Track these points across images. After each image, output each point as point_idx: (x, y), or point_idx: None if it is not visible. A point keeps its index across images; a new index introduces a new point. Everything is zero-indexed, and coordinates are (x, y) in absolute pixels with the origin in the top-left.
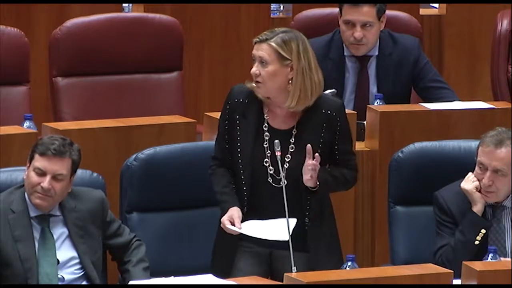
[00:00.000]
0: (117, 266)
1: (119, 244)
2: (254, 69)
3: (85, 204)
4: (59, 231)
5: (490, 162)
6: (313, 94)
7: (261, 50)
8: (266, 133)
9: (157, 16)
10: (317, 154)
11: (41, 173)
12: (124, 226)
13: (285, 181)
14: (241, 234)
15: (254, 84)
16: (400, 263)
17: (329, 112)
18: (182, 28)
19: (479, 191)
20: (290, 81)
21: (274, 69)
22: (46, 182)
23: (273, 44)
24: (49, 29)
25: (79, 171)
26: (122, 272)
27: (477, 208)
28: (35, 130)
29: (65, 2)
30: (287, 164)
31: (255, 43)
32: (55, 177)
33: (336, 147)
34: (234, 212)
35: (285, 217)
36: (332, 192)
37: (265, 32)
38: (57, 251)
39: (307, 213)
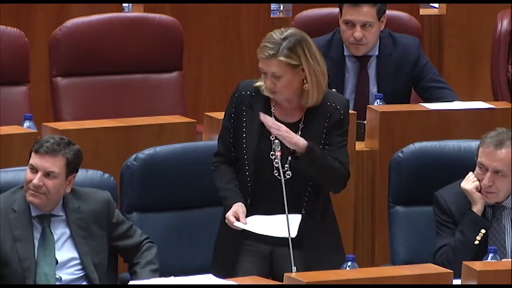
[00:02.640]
0: (127, 267)
1: (128, 245)
2: (269, 84)
3: (89, 205)
4: (61, 231)
5: (490, 163)
6: (325, 82)
7: (272, 66)
8: None
9: (157, 16)
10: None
11: (34, 170)
12: (136, 228)
13: (290, 172)
14: (243, 231)
15: (262, 83)
16: (400, 263)
17: (334, 104)
18: (182, 28)
19: (479, 191)
20: (304, 81)
21: (288, 79)
22: (36, 178)
23: (282, 58)
24: (49, 29)
25: (90, 172)
26: (131, 274)
27: (477, 208)
28: (35, 130)
29: (65, 2)
30: (291, 157)
31: (261, 58)
32: (46, 175)
33: (327, 142)
34: (239, 207)
35: (288, 211)
36: (317, 175)
37: (267, 45)
38: (57, 251)
39: (304, 204)
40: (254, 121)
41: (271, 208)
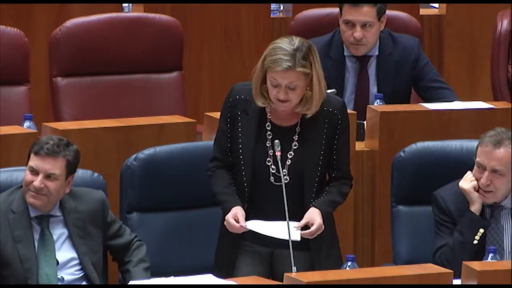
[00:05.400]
0: (118, 266)
1: (120, 244)
2: (282, 96)
3: (85, 205)
4: (59, 232)
5: (488, 162)
6: (325, 89)
7: (289, 79)
8: (269, 132)
9: (157, 16)
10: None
11: (34, 172)
12: (125, 226)
13: (287, 177)
14: (243, 233)
15: (277, 104)
16: (402, 262)
17: (331, 109)
18: (182, 28)
19: (477, 191)
20: (308, 87)
21: (302, 88)
22: (37, 181)
23: (299, 69)
24: (49, 29)
25: (80, 171)
26: (123, 273)
27: (475, 208)
28: (35, 130)
29: (65, 2)
30: (289, 161)
31: (276, 70)
32: (48, 176)
33: (335, 146)
34: (238, 210)
35: (287, 216)
36: None
37: (282, 57)
38: (57, 252)
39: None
40: (250, 126)
41: (269, 213)
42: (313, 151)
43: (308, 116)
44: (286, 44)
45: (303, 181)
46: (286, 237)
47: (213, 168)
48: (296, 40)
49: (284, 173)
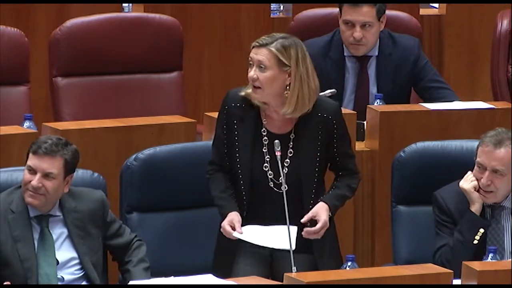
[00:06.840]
0: (118, 266)
1: (120, 244)
2: (252, 74)
3: (85, 205)
4: (59, 231)
5: (489, 162)
6: (311, 100)
7: (261, 55)
8: (265, 137)
9: (157, 16)
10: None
11: (32, 172)
12: (125, 226)
13: (286, 185)
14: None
15: (249, 90)
16: (402, 262)
17: (325, 115)
18: (182, 28)
19: (478, 191)
20: (287, 87)
21: (272, 74)
22: (35, 180)
23: (273, 49)
24: (49, 29)
25: (80, 171)
26: (123, 272)
27: (475, 208)
28: (35, 130)
29: (65, 2)
30: (286, 169)
31: (254, 47)
32: (45, 176)
33: (335, 150)
34: (234, 216)
35: (285, 221)
36: None
37: (263, 37)
38: (57, 251)
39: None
40: (246, 133)
41: (269, 219)
42: (308, 158)
43: (302, 122)
44: (278, 33)
45: (301, 187)
46: (279, 247)
47: (211, 171)
48: (288, 35)
49: (283, 180)
